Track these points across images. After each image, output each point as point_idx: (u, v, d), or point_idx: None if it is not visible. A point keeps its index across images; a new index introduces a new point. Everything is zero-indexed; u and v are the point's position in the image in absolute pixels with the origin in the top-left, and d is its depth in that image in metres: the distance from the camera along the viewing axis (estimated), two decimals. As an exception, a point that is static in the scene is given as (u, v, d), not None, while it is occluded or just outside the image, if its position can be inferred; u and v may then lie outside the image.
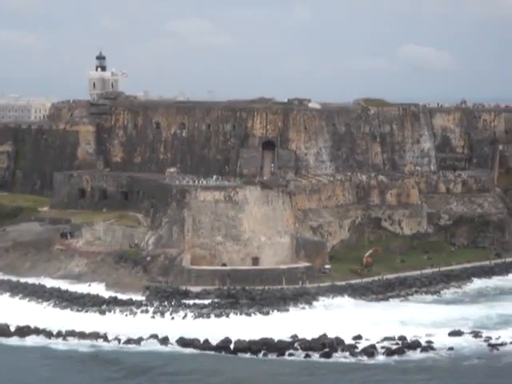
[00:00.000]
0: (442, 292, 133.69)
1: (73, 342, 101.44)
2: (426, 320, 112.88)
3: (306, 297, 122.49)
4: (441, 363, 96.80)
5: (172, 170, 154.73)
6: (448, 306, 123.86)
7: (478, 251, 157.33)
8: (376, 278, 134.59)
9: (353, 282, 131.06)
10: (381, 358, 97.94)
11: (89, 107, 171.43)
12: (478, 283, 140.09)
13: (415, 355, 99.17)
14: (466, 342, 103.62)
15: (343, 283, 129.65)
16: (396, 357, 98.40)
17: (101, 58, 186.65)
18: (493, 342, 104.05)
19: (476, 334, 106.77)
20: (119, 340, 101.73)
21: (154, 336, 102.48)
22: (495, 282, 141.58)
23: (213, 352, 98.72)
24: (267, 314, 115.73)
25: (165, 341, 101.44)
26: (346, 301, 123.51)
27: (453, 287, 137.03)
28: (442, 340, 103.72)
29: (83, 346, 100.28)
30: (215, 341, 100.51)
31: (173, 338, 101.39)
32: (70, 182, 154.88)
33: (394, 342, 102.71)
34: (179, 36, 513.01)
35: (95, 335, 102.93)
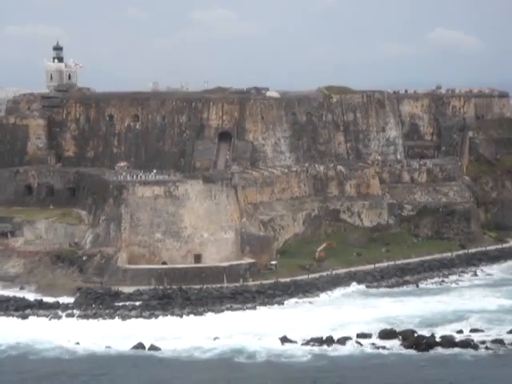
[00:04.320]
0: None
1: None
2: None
3: (245, 295, 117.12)
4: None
5: (122, 164, 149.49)
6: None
7: (442, 243, 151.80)
8: (325, 274, 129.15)
9: (298, 278, 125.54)
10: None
11: (41, 100, 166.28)
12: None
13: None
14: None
15: (288, 280, 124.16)
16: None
17: (58, 48, 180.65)
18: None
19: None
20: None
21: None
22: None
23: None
24: (201, 314, 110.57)
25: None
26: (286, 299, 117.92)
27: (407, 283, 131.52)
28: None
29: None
30: (128, 346, 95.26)
31: (85, 343, 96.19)
32: (16, 179, 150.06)
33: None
34: (204, 26, 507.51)
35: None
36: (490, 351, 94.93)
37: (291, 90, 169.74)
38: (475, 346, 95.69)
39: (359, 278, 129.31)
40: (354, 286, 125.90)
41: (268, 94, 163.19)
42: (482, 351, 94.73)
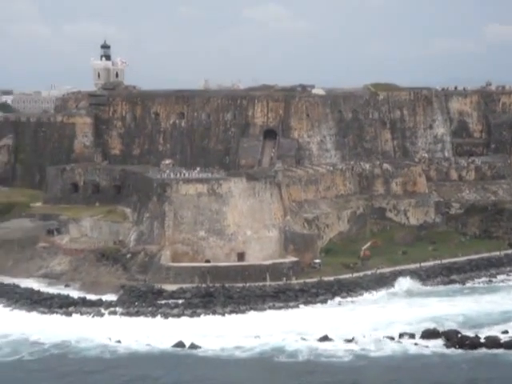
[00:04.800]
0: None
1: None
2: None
3: (288, 294, 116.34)
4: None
5: (167, 162, 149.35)
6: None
7: (491, 242, 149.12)
8: (369, 273, 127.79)
9: (342, 277, 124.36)
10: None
11: (88, 98, 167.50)
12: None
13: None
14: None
15: (331, 279, 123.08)
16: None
17: (105, 46, 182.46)
18: None
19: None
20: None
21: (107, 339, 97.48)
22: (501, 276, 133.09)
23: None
24: (243, 313, 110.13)
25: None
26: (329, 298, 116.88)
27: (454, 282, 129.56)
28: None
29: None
30: (169, 344, 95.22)
31: (126, 341, 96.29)
32: (62, 177, 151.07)
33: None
34: (256, 23, 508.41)
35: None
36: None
37: (337, 87, 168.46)
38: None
39: (404, 277, 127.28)
40: (399, 285, 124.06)
41: (313, 91, 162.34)
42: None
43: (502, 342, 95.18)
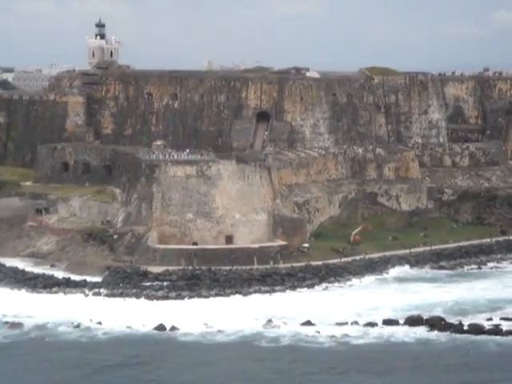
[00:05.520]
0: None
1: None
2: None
3: (275, 278, 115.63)
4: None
5: (159, 142, 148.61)
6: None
7: (483, 228, 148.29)
8: (358, 258, 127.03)
9: (330, 261, 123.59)
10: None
11: (81, 77, 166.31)
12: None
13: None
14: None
15: (319, 263, 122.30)
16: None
17: (100, 25, 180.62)
18: None
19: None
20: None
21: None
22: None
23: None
24: (227, 296, 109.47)
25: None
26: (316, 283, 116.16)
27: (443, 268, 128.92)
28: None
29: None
30: (150, 327, 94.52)
31: (107, 323, 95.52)
32: (53, 156, 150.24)
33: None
34: (266, 5, 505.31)
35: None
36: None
37: (331, 71, 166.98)
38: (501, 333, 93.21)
39: (393, 262, 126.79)
40: (387, 271, 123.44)
41: (308, 74, 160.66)
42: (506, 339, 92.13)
43: (484, 329, 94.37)
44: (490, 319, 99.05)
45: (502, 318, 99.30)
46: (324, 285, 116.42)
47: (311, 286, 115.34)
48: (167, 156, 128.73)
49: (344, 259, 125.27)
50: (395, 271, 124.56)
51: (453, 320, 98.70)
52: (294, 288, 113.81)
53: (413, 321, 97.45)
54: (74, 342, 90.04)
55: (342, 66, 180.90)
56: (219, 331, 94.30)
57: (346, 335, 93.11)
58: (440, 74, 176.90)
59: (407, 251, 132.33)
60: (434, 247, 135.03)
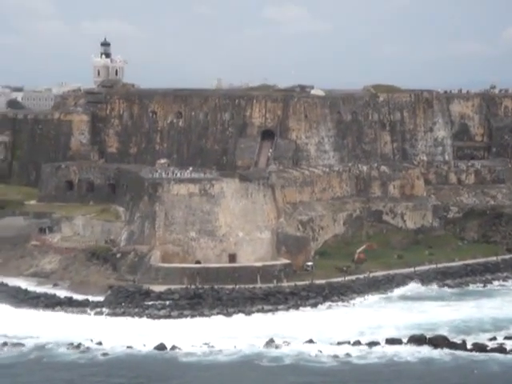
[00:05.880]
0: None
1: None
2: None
3: (278, 297, 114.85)
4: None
5: (162, 161, 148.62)
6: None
7: (489, 246, 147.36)
8: (362, 276, 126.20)
9: (334, 280, 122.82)
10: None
11: (85, 96, 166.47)
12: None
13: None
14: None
15: (323, 282, 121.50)
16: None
17: (105, 44, 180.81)
18: None
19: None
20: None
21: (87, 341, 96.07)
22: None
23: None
24: (230, 315, 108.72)
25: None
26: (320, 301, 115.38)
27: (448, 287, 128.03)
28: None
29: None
30: (151, 346, 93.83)
31: (108, 343, 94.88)
32: (57, 174, 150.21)
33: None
34: (276, 23, 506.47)
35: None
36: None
37: (336, 89, 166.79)
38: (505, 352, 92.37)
39: (397, 281, 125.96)
40: (391, 290, 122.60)
41: (312, 92, 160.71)
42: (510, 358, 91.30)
43: (488, 348, 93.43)
44: (493, 338, 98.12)
45: (506, 338, 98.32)
46: (327, 304, 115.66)
47: (314, 304, 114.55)
48: (170, 174, 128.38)
49: (348, 278, 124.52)
50: (400, 290, 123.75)
51: (457, 339, 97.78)
52: (297, 307, 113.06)
53: (416, 340, 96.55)
54: (72, 362, 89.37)
55: (347, 84, 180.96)
56: (220, 351, 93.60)
57: (349, 355, 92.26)
58: (446, 92, 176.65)
59: (412, 269, 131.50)
60: (439, 265, 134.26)
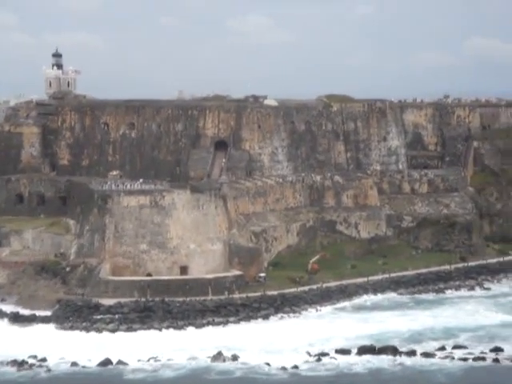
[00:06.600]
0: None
1: None
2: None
3: (229, 309, 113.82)
4: None
5: (114, 173, 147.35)
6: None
7: (442, 255, 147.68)
8: (314, 287, 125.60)
9: (286, 291, 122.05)
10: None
11: (36, 107, 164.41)
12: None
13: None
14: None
15: (275, 293, 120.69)
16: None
17: (57, 55, 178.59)
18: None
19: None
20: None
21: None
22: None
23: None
24: (180, 328, 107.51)
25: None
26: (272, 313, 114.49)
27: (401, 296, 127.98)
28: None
29: None
30: (96, 362, 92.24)
31: (52, 359, 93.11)
32: (7, 187, 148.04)
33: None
34: (240, 34, 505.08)
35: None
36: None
37: (290, 99, 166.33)
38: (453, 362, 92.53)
39: (350, 291, 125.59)
40: (344, 301, 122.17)
41: (266, 102, 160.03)
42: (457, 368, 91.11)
43: (436, 358, 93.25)
44: (442, 348, 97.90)
45: (454, 347, 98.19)
46: (279, 315, 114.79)
47: (266, 316, 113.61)
48: (120, 186, 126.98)
49: (300, 288, 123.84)
50: (353, 300, 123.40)
51: (406, 348, 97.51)
52: (248, 319, 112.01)
53: (365, 350, 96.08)
54: (12, 381, 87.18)
55: (304, 95, 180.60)
56: (168, 365, 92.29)
57: (297, 366, 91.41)
58: (400, 101, 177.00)
59: (365, 279, 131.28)
60: (392, 275, 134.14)
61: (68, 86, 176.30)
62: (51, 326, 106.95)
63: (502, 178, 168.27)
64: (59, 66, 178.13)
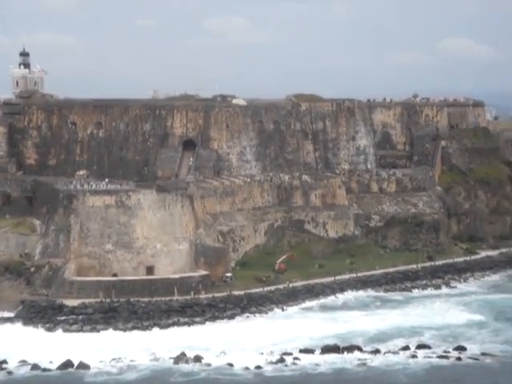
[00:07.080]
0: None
1: None
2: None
3: (195, 309, 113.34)
4: None
5: (81, 172, 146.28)
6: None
7: (410, 254, 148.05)
8: (281, 287, 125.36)
9: (253, 291, 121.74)
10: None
11: (2, 107, 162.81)
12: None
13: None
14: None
15: (241, 293, 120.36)
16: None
17: (24, 54, 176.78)
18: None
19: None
20: None
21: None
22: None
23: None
24: (145, 329, 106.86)
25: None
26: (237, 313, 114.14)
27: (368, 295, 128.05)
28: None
29: None
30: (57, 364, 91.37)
31: (13, 362, 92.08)
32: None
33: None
34: (216, 34, 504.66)
35: None
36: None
37: (258, 98, 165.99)
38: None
39: (317, 291, 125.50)
40: (311, 300, 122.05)
41: (234, 101, 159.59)
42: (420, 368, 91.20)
43: (399, 357, 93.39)
44: (406, 348, 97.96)
45: (418, 346, 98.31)
46: (245, 315, 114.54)
47: (232, 316, 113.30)
48: (86, 186, 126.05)
49: (267, 288, 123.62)
50: (319, 300, 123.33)
51: (370, 348, 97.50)
52: (214, 319, 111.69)
53: (329, 350, 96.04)
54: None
55: (274, 94, 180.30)
56: (131, 366, 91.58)
57: (260, 367, 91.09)
58: (368, 101, 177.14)
59: (333, 279, 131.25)
60: (359, 274, 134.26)
61: (35, 85, 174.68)
62: (14, 327, 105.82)
63: (470, 178, 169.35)
64: (26, 65, 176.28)
